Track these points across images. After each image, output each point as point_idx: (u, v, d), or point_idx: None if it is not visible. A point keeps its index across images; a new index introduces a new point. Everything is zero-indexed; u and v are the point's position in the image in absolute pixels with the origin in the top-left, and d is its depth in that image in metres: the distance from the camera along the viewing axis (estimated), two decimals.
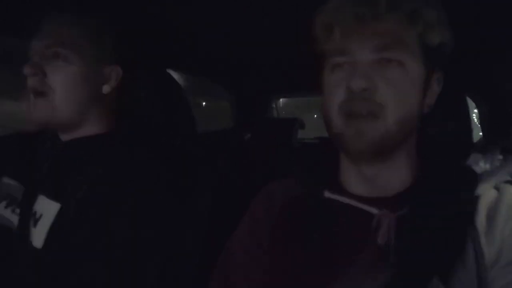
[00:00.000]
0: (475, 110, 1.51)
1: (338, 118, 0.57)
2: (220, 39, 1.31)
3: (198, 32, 1.24)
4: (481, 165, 0.61)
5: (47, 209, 0.74)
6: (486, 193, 0.57)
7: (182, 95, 1.00)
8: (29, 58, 0.77)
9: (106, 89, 0.81)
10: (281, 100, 2.55)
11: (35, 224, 0.74)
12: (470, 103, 1.36)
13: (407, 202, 0.57)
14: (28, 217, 0.75)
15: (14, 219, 0.76)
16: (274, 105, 2.31)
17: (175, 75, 1.14)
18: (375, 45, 0.56)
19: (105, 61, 0.80)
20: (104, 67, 0.80)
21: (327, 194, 0.63)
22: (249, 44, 1.36)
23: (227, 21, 1.14)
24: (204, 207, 0.87)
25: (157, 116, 0.93)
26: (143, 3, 0.99)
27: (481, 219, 0.55)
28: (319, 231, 0.61)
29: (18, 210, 0.77)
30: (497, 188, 0.57)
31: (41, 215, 0.74)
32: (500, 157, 0.61)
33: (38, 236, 0.73)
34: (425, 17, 0.57)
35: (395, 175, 0.61)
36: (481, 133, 1.48)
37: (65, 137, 0.81)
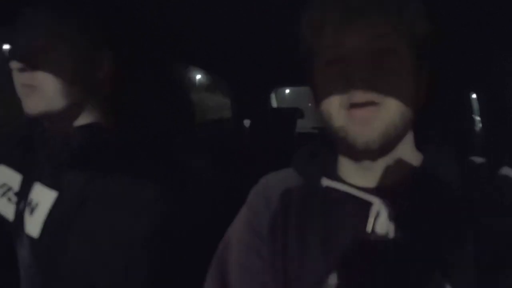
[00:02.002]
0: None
1: (340, 112, 0.57)
2: (217, 30, 1.30)
3: (195, 24, 1.23)
4: (481, 158, 0.61)
5: (44, 197, 0.74)
6: (487, 185, 0.57)
7: (182, 89, 1.00)
8: (16, 53, 0.75)
9: (100, 75, 0.80)
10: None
11: (31, 213, 0.74)
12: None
13: (406, 193, 0.57)
14: (24, 205, 0.75)
15: (10, 208, 0.76)
16: (273, 95, 2.30)
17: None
18: (368, 36, 0.56)
19: (95, 47, 0.79)
20: (95, 54, 0.79)
21: (325, 182, 0.63)
22: (246, 35, 1.35)
23: (225, 12, 1.13)
24: (203, 199, 0.87)
25: (157, 111, 0.92)
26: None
27: (480, 210, 0.55)
28: (317, 221, 0.61)
29: (14, 199, 0.77)
30: (497, 180, 0.57)
31: (37, 204, 0.74)
32: (501, 150, 0.62)
33: (34, 224, 0.73)
34: (410, 11, 0.58)
35: (394, 166, 0.61)
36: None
37: (61, 125, 0.80)
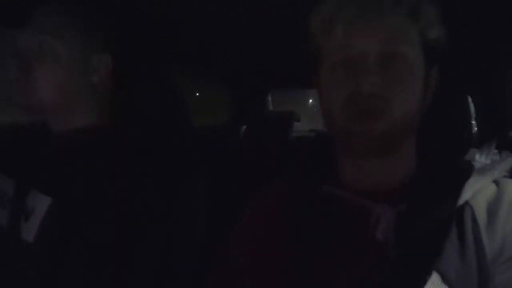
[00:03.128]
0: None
1: (343, 116, 0.57)
2: (214, 33, 1.30)
3: (192, 27, 1.23)
4: (478, 161, 0.61)
5: (38, 203, 0.73)
6: (486, 188, 0.56)
7: (179, 91, 0.99)
8: (16, 49, 0.76)
9: (95, 78, 0.79)
10: None
11: (26, 219, 0.73)
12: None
13: (406, 197, 0.57)
14: (20, 211, 0.74)
15: (4, 213, 0.76)
16: (269, 98, 2.30)
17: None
18: (379, 40, 0.55)
19: (94, 50, 0.79)
20: (93, 57, 0.79)
21: (325, 188, 0.62)
22: (242, 38, 1.35)
23: (221, 15, 1.13)
24: (201, 205, 0.86)
25: (154, 112, 0.92)
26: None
27: (481, 214, 0.54)
28: (317, 227, 0.60)
29: (8, 205, 0.76)
30: (496, 183, 0.57)
31: (32, 209, 0.73)
32: (496, 152, 0.62)
33: (29, 230, 0.72)
34: (425, 13, 0.57)
35: (395, 170, 0.60)
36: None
37: (57, 129, 0.80)
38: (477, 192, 0.56)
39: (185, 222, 0.81)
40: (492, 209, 0.54)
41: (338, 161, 0.65)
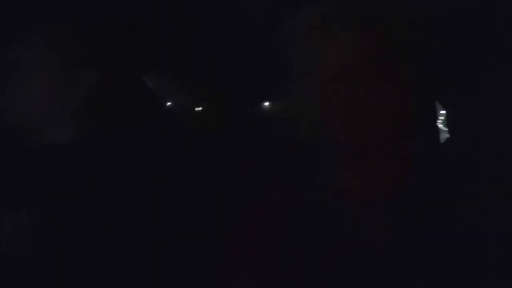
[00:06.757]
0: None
1: (331, 123, 0.60)
2: (206, 42, 1.33)
3: (183, 36, 1.26)
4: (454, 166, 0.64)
5: (35, 213, 0.74)
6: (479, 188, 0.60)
7: (176, 94, 1.01)
8: (9, 61, 0.78)
9: (91, 91, 0.80)
10: None
11: (22, 230, 0.74)
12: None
13: (404, 202, 0.60)
14: (16, 222, 0.75)
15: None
16: (264, 106, 2.32)
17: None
18: (363, 49, 0.57)
19: (85, 65, 0.80)
20: (85, 72, 0.80)
21: (324, 194, 0.64)
22: (234, 47, 1.38)
23: (212, 24, 1.16)
24: (200, 210, 0.86)
25: (144, 119, 0.92)
26: (127, 7, 1.00)
27: (474, 214, 0.57)
28: (316, 232, 0.62)
29: (3, 216, 0.76)
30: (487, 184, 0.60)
31: (29, 220, 0.74)
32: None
33: (26, 241, 0.73)
34: (408, 23, 0.60)
35: (389, 174, 0.63)
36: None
37: (52, 138, 0.80)
38: (466, 196, 0.59)
39: (185, 223, 0.80)
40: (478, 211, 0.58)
41: (336, 165, 0.66)
